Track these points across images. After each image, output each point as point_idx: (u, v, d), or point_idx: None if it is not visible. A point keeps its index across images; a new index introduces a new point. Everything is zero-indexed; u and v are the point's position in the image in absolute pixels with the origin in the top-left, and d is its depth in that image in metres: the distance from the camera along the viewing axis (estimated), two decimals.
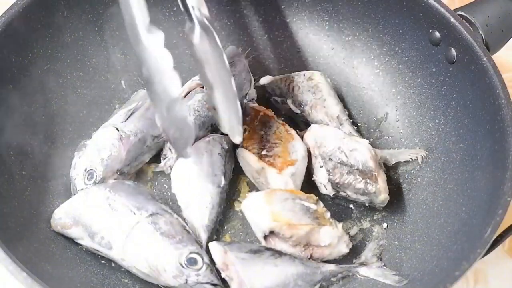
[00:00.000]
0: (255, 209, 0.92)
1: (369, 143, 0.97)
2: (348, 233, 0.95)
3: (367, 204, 0.96)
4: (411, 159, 1.01)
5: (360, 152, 0.95)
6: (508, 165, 0.84)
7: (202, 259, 0.87)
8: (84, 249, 0.91)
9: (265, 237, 0.91)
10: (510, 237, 0.87)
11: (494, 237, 0.80)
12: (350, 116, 1.06)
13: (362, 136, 1.05)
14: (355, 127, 1.05)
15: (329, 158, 0.96)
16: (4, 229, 0.82)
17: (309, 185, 0.98)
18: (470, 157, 0.94)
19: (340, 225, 0.91)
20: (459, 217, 0.90)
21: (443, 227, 0.92)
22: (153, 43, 0.84)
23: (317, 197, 0.94)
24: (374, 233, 0.97)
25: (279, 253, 0.89)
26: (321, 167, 0.96)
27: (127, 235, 0.87)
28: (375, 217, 0.98)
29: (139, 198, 0.91)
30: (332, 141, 0.97)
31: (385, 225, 0.98)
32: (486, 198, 0.86)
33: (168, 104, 0.84)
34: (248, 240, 0.96)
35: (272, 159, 0.95)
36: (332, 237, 0.90)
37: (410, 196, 1.00)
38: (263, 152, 0.96)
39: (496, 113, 0.89)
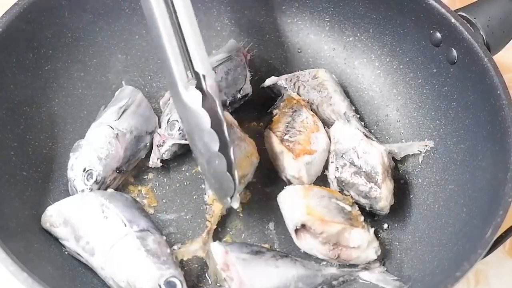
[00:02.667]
0: (291, 201, 0.92)
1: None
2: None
3: (367, 209, 0.96)
4: (420, 151, 1.01)
5: (372, 156, 0.95)
6: (509, 165, 0.84)
7: (181, 285, 0.85)
8: None
9: (296, 231, 0.91)
10: (511, 237, 0.87)
11: (495, 237, 0.80)
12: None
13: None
14: (363, 123, 1.05)
15: (341, 156, 0.96)
16: (5, 229, 0.82)
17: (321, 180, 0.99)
18: (471, 158, 0.94)
19: (372, 230, 0.92)
20: (460, 217, 0.90)
21: (444, 227, 0.92)
22: (192, 102, 0.85)
23: (354, 200, 0.94)
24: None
25: (280, 255, 0.89)
26: (331, 162, 0.97)
27: (112, 245, 0.86)
28: (375, 218, 0.98)
29: (134, 212, 0.90)
30: (349, 140, 0.97)
31: (385, 226, 0.98)
32: (487, 199, 0.86)
33: (208, 158, 0.86)
34: (249, 241, 0.96)
35: (292, 145, 0.96)
36: (362, 240, 0.90)
37: (411, 197, 1.00)
38: (286, 137, 0.97)
39: (497, 114, 0.89)
